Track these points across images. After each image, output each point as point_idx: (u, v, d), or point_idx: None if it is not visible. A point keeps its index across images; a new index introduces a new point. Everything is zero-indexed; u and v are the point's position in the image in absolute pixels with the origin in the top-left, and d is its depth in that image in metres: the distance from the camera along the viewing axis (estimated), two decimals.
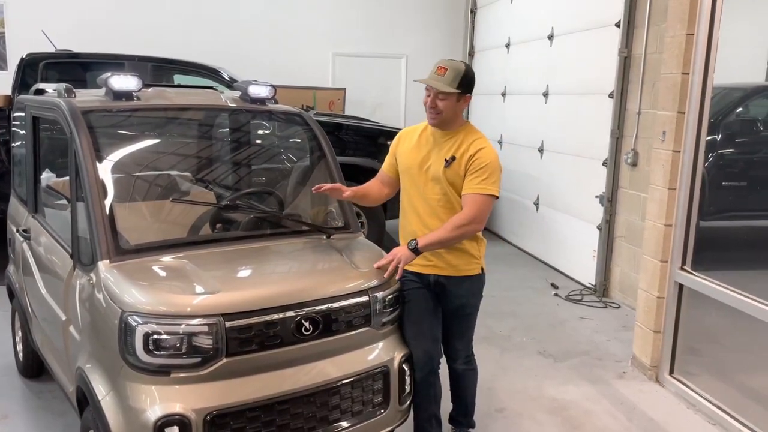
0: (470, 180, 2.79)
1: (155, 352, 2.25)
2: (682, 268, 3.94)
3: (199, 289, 2.42)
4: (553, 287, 6.07)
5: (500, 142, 8.02)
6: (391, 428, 2.78)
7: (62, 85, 3.12)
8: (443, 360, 3.10)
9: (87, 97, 3.09)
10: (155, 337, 2.25)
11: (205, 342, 2.28)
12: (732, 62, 4.32)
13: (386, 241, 6.10)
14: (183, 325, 2.27)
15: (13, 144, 4.54)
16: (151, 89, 3.25)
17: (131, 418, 2.26)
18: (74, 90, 3.11)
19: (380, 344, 2.75)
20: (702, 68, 3.76)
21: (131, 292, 2.36)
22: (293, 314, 2.44)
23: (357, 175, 5.01)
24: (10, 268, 4.04)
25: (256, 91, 3.38)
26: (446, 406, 3.21)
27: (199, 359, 2.28)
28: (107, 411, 2.33)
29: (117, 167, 2.89)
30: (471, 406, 3.29)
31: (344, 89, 8.25)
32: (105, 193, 2.65)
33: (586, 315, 5.37)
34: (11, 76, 6.07)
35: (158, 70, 6.27)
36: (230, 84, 6.07)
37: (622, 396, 3.94)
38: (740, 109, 4.94)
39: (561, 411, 3.74)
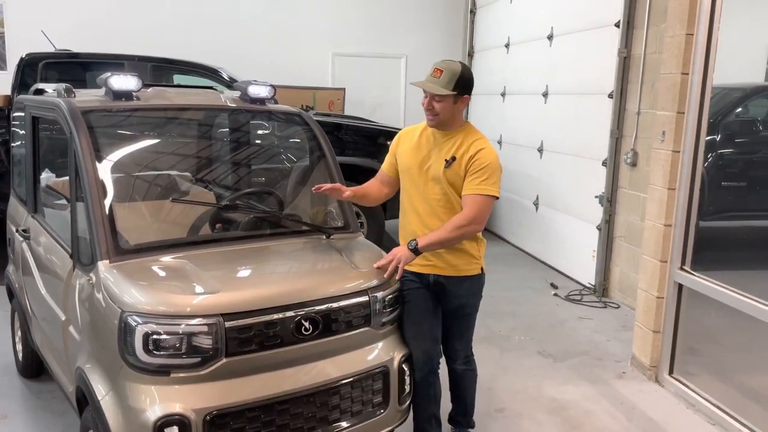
0: (470, 180, 2.79)
1: (155, 352, 2.25)
2: (681, 268, 3.95)
3: (198, 289, 2.42)
4: (552, 287, 6.07)
5: (500, 142, 8.02)
6: (390, 428, 2.78)
7: (62, 85, 3.12)
8: (443, 360, 3.10)
9: (87, 97, 3.09)
10: (155, 337, 2.25)
11: (205, 342, 2.28)
12: (731, 62, 4.32)
13: (386, 241, 6.11)
14: (183, 325, 2.27)
15: (12, 144, 4.54)
16: (150, 89, 3.25)
17: (131, 418, 2.26)
18: (74, 90, 3.11)
19: (380, 344, 2.75)
20: (701, 68, 3.76)
21: (131, 292, 2.36)
22: (293, 314, 2.44)
23: (356, 175, 5.01)
24: (10, 268, 4.04)
25: (255, 91, 3.38)
26: (446, 406, 3.21)
27: (199, 359, 2.28)
28: (107, 411, 2.33)
29: (117, 167, 2.89)
30: (470, 406, 3.29)
31: (344, 89, 8.25)
32: (105, 193, 2.65)
33: (586, 315, 5.37)
34: (11, 76, 6.07)
35: (158, 70, 6.28)
36: (230, 84, 6.07)
37: (622, 396, 3.94)
38: (740, 109, 4.94)
39: (561, 411, 3.74)
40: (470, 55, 9.17)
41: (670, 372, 4.06)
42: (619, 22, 5.54)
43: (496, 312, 5.22)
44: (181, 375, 2.28)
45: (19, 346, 3.98)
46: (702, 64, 3.76)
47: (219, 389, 2.31)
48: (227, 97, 3.52)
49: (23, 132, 3.78)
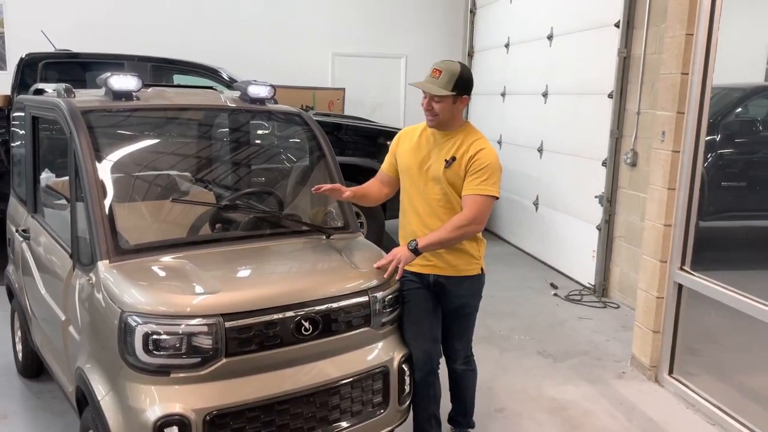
0: (470, 181, 2.79)
1: (155, 352, 2.25)
2: (681, 268, 3.95)
3: (198, 289, 2.42)
4: (552, 287, 6.07)
5: (500, 142, 8.03)
6: (390, 428, 2.78)
7: (62, 85, 3.12)
8: (443, 360, 3.10)
9: (86, 97, 3.09)
10: (155, 337, 2.25)
11: (205, 342, 2.28)
12: (731, 62, 4.32)
13: (386, 241, 6.11)
14: (182, 325, 2.27)
15: (12, 144, 4.54)
16: (150, 89, 3.26)
17: (131, 418, 2.26)
18: (74, 90, 3.10)
19: (380, 344, 2.75)
20: (701, 68, 3.76)
21: (131, 292, 2.36)
22: (293, 314, 2.44)
23: (356, 175, 5.01)
24: (10, 268, 4.04)
25: (255, 91, 3.38)
26: (446, 406, 3.21)
27: (199, 359, 2.28)
28: (107, 411, 2.33)
29: (116, 167, 2.89)
30: (470, 406, 3.29)
31: (344, 89, 8.25)
32: (104, 193, 2.65)
33: (586, 315, 5.37)
34: (11, 76, 6.07)
35: (158, 70, 6.28)
36: (229, 84, 6.07)
37: (622, 396, 3.94)
38: (739, 110, 4.95)
39: (560, 411, 3.74)
40: (470, 55, 9.17)
41: (670, 372, 4.06)
42: (619, 22, 5.54)
43: (495, 312, 5.22)
44: (181, 375, 2.28)
45: (19, 346, 3.98)
46: (702, 64, 3.76)
47: (219, 389, 2.31)
48: (227, 97, 3.52)
49: (23, 132, 3.78)
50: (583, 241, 6.11)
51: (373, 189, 3.12)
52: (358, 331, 2.63)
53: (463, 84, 2.81)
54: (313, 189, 2.94)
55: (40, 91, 3.85)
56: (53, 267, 3.08)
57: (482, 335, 4.57)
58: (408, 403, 2.87)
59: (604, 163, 5.77)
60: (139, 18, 8.14)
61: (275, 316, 2.40)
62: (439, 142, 2.89)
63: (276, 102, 3.51)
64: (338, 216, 3.27)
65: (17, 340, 4.02)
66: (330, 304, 2.54)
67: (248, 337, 2.34)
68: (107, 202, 2.65)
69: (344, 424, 2.60)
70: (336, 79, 8.94)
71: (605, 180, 5.75)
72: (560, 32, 6.66)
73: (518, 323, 5.11)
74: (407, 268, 2.83)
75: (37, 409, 3.59)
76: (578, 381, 4.13)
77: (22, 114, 3.78)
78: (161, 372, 2.27)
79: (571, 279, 6.30)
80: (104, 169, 2.73)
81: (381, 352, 2.73)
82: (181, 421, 2.23)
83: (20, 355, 3.96)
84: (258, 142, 4.11)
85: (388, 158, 3.10)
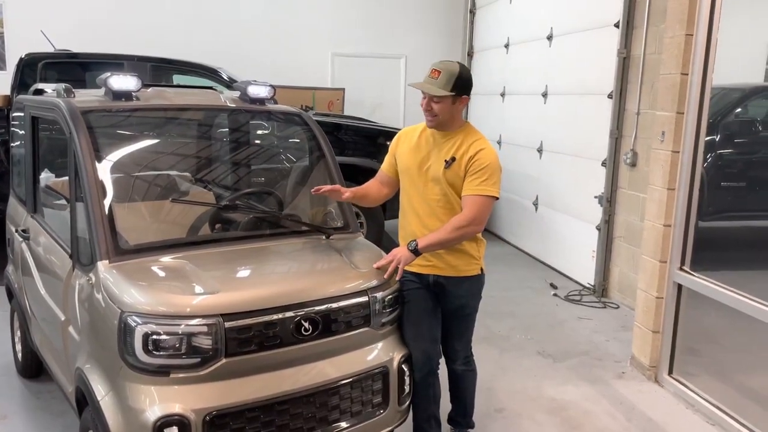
0: (470, 181, 2.79)
1: (154, 352, 2.25)
2: (681, 269, 3.95)
3: (198, 289, 2.42)
4: (552, 287, 6.07)
5: (499, 143, 8.03)
6: (390, 428, 2.78)
7: (61, 85, 3.12)
8: (442, 360, 3.10)
9: (86, 97, 3.09)
10: (154, 337, 2.25)
11: (205, 342, 2.28)
12: (731, 63, 4.32)
13: (385, 241, 6.11)
14: (182, 326, 2.27)
15: (12, 144, 4.54)
16: (150, 89, 3.25)
17: (130, 419, 2.26)
18: (73, 90, 3.10)
19: (379, 345, 2.75)
20: (701, 69, 3.77)
21: (130, 293, 2.36)
22: (292, 314, 2.44)
23: (356, 175, 5.01)
24: (9, 268, 4.04)
25: (255, 91, 3.38)
26: (445, 406, 3.21)
27: (199, 359, 2.28)
28: (106, 411, 2.33)
29: (116, 167, 2.89)
30: (470, 406, 3.29)
31: (343, 89, 8.25)
32: (104, 193, 2.65)
33: (585, 315, 5.37)
34: (10, 76, 6.06)
35: (157, 70, 6.28)
36: (229, 84, 6.07)
37: (621, 396, 3.94)
38: (739, 110, 4.95)
39: (560, 411, 3.74)
40: (470, 55, 9.17)
41: (670, 372, 4.06)
42: (618, 22, 5.54)
43: (495, 312, 5.22)
44: (181, 375, 2.28)
45: (18, 347, 3.98)
46: (701, 64, 3.76)
47: (219, 389, 2.31)
48: (227, 98, 3.52)
49: (23, 132, 3.78)
50: (582, 242, 6.11)
51: (373, 189, 3.12)
52: (357, 331, 2.63)
53: (462, 84, 2.81)
54: (312, 190, 2.94)
55: (39, 91, 3.86)
56: (53, 267, 3.08)
57: (482, 335, 4.58)
58: (408, 403, 2.87)
59: (603, 164, 5.77)
60: (140, 18, 8.14)
61: (275, 317, 2.40)
62: (438, 142, 2.89)
63: (276, 102, 3.51)
64: (338, 216, 3.27)
65: (17, 340, 4.01)
66: (330, 305, 2.54)
67: (248, 338, 2.34)
68: (107, 202, 2.65)
69: (344, 424, 2.60)
70: (336, 79, 8.95)
71: (605, 180, 5.75)
72: (560, 32, 6.66)
73: (518, 323, 5.11)
74: (407, 268, 2.82)
75: (37, 410, 3.59)
76: (578, 381, 4.13)
77: (22, 114, 3.78)
78: (161, 372, 2.27)
79: (571, 279, 6.30)
80: (104, 169, 2.73)
81: (381, 352, 2.73)
82: (181, 422, 2.23)
83: (20, 355, 3.96)
84: (258, 142, 4.11)
85: (387, 159, 3.10)
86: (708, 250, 4.03)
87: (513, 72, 7.81)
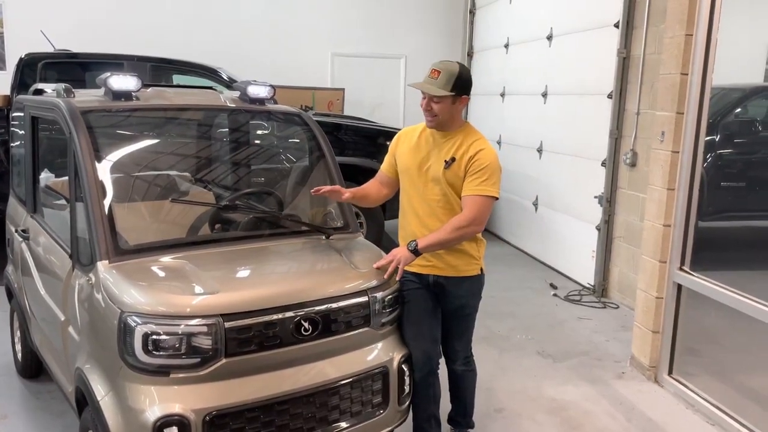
0: (470, 181, 2.79)
1: (154, 352, 2.25)
2: (680, 269, 3.95)
3: (198, 289, 2.41)
4: (552, 287, 6.07)
5: (499, 143, 8.03)
6: (390, 428, 2.78)
7: (61, 85, 3.12)
8: (442, 360, 3.10)
9: (86, 97, 3.09)
10: (154, 337, 2.25)
11: (205, 342, 2.28)
12: (731, 63, 4.32)
13: (385, 242, 6.11)
14: (182, 326, 2.27)
15: (12, 144, 4.54)
16: (150, 89, 3.25)
17: (130, 419, 2.26)
18: (73, 90, 3.10)
19: (379, 345, 2.75)
20: (701, 69, 3.77)
21: (130, 293, 2.35)
22: (292, 314, 2.44)
23: (356, 175, 5.01)
24: (9, 269, 4.04)
25: (255, 91, 3.38)
26: (445, 406, 3.21)
27: (199, 360, 2.28)
28: (106, 411, 2.32)
29: (116, 167, 2.89)
30: (470, 406, 3.29)
31: (343, 89, 8.25)
32: (104, 193, 2.65)
33: (585, 315, 5.37)
34: (10, 76, 6.06)
35: (157, 70, 6.28)
36: (229, 84, 6.07)
37: (621, 396, 3.94)
38: (739, 110, 4.95)
39: (560, 411, 3.74)
40: (469, 55, 9.17)
41: (670, 372, 4.06)
42: (618, 22, 5.54)
43: (495, 312, 5.22)
44: (181, 375, 2.28)
45: (18, 347, 3.98)
46: (701, 64, 3.76)
47: (218, 390, 2.31)
48: (227, 98, 3.52)
49: (22, 132, 3.77)
50: (582, 242, 6.11)
51: (373, 190, 3.12)
52: (357, 331, 2.63)
53: (461, 84, 2.81)
54: (312, 191, 2.95)
55: (39, 91, 3.85)
56: (53, 267, 3.08)
57: (482, 335, 4.58)
58: (408, 403, 2.87)
59: (603, 164, 5.77)
60: (140, 18, 8.14)
61: (275, 317, 2.40)
62: (438, 142, 2.89)
63: (275, 102, 3.51)
64: (338, 216, 3.27)
65: (16, 340, 4.01)
66: (329, 305, 2.54)
67: (248, 338, 2.34)
68: (107, 202, 2.65)
69: (344, 424, 2.59)
70: (335, 79, 8.95)
71: (605, 180, 5.75)
72: (560, 32, 6.66)
73: (518, 323, 5.11)
74: (407, 268, 2.82)
75: (36, 410, 3.59)
76: (578, 381, 4.13)
77: (22, 114, 3.78)
78: (161, 372, 2.27)
79: (571, 279, 6.30)
80: (104, 169, 2.73)
81: (380, 352, 2.73)
82: (181, 422, 2.23)
83: (19, 355, 3.95)
84: (258, 142, 4.11)
85: (387, 159, 3.10)
86: (708, 250, 4.03)
87: (513, 72, 7.81)
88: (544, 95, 6.92)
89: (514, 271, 6.66)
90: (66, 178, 2.96)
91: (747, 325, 3.50)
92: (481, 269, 3.00)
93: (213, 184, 3.70)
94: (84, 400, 2.55)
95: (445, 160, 2.83)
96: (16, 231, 3.69)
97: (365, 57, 9.10)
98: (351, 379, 2.60)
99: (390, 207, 5.42)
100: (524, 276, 6.50)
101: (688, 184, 3.87)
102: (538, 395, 3.93)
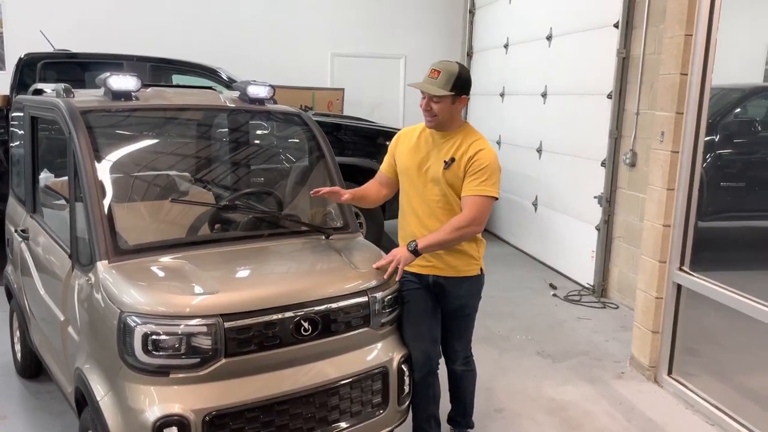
0: (470, 181, 2.79)
1: (154, 352, 2.25)
2: (680, 269, 3.95)
3: (197, 289, 2.41)
4: (551, 288, 6.07)
5: (498, 143, 8.03)
6: (390, 428, 2.78)
7: (61, 85, 3.12)
8: (442, 360, 3.10)
9: (86, 97, 3.09)
10: (154, 337, 2.25)
11: (204, 342, 2.27)
12: (731, 63, 4.32)
13: (385, 242, 6.11)
14: (182, 326, 2.27)
15: (11, 144, 4.54)
16: (149, 89, 3.25)
17: (130, 419, 2.26)
18: (73, 90, 3.10)
19: (379, 345, 2.74)
20: (700, 69, 3.77)
21: (130, 293, 2.35)
22: (292, 315, 2.44)
23: (356, 175, 5.01)
24: (9, 269, 4.04)
25: (254, 91, 3.38)
26: (445, 406, 3.21)
27: (198, 360, 2.28)
28: (106, 411, 2.32)
29: (116, 167, 2.89)
30: (470, 406, 3.29)
31: (343, 89, 8.25)
32: (104, 193, 2.65)
33: (585, 315, 5.37)
34: (9, 75, 6.06)
35: (157, 70, 6.28)
36: (229, 84, 6.07)
37: (621, 396, 3.94)
38: (738, 110, 4.96)
39: (560, 411, 3.74)
40: (469, 55, 9.17)
41: (669, 372, 4.06)
42: (618, 22, 5.54)
43: (495, 312, 5.22)
44: (181, 375, 2.28)
45: (17, 347, 3.98)
46: (701, 64, 3.76)
47: (218, 390, 2.31)
48: (226, 98, 3.52)
49: (22, 132, 3.77)
50: (582, 242, 6.11)
51: (372, 190, 3.11)
52: (357, 331, 2.63)
53: (461, 84, 2.81)
54: (311, 192, 2.95)
55: (39, 91, 3.85)
56: (52, 267, 3.08)
57: (482, 336, 4.58)
58: (407, 403, 2.87)
59: (603, 164, 5.77)
60: (139, 18, 8.14)
61: (274, 317, 2.40)
62: (438, 142, 2.89)
63: (275, 102, 3.51)
64: (337, 216, 3.27)
65: (16, 340, 4.01)
66: (329, 305, 2.54)
67: (247, 338, 2.34)
68: (106, 202, 2.64)
69: (343, 424, 2.59)
70: (335, 79, 8.95)
71: (604, 180, 5.75)
72: (559, 32, 6.66)
73: (517, 324, 5.11)
74: (407, 268, 2.82)
75: (36, 410, 3.59)
76: (577, 381, 4.13)
77: (21, 114, 3.78)
78: (160, 372, 2.27)
79: (570, 279, 6.30)
80: (103, 169, 2.73)
81: (380, 352, 2.73)
82: (181, 422, 2.23)
83: (19, 355, 3.95)
84: (257, 142, 4.11)
85: (386, 159, 3.10)
86: (707, 250, 4.03)
87: (512, 72, 7.81)
88: (544, 95, 6.92)
89: (513, 271, 6.67)
90: (65, 178, 2.96)
91: (747, 325, 3.50)
92: (481, 269, 3.00)
93: (213, 184, 3.70)
94: (83, 400, 2.55)
95: (445, 161, 2.83)
96: (16, 231, 3.69)
97: (365, 57, 9.10)
98: (351, 379, 2.60)
99: (390, 207, 5.43)
100: (524, 276, 6.50)
101: (687, 184, 3.87)
102: (538, 395, 3.93)
